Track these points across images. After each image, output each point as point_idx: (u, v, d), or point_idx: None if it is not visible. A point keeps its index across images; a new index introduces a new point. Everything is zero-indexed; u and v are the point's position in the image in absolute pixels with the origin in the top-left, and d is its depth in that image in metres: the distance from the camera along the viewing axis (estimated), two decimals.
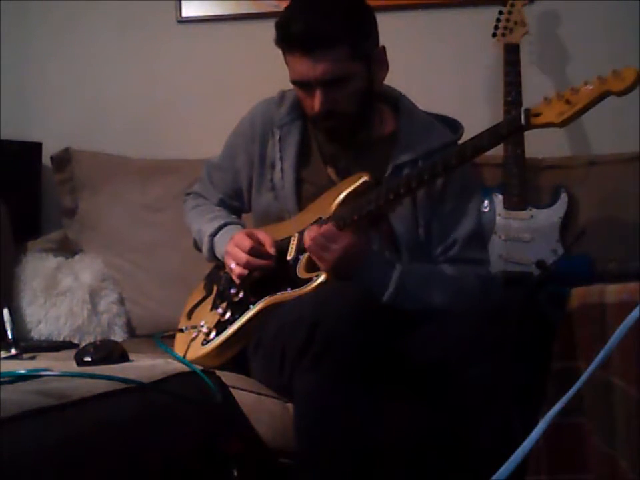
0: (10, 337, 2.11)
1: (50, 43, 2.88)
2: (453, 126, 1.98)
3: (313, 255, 1.81)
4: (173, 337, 2.01)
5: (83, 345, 1.90)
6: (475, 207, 1.95)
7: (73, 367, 1.65)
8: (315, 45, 1.78)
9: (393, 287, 1.81)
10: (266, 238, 1.88)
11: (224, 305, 1.91)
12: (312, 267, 1.82)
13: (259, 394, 1.78)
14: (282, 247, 1.89)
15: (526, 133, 2.07)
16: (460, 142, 1.92)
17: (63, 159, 2.69)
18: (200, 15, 2.84)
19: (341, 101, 1.84)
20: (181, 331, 1.98)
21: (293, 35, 1.80)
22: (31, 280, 2.43)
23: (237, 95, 2.55)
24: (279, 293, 1.82)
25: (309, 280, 1.79)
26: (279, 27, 1.83)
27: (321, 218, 1.87)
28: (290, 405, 1.74)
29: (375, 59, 1.87)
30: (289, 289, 1.81)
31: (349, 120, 1.87)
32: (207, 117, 2.78)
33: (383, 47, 1.90)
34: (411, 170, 1.87)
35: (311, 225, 1.86)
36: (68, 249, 2.62)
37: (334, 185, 1.92)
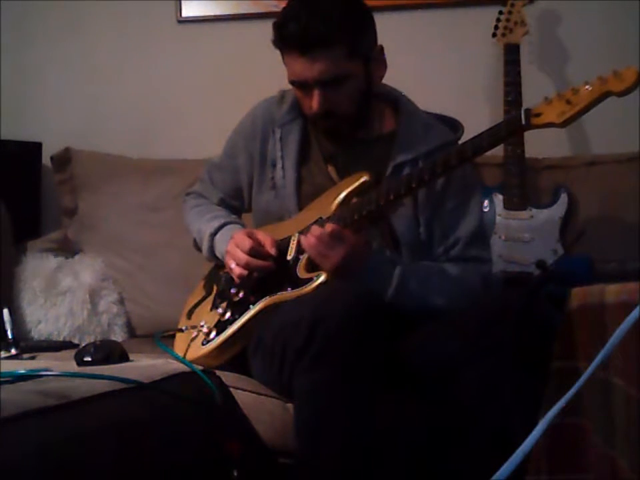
0: (10, 337, 2.11)
1: (50, 43, 2.88)
2: (453, 125, 1.98)
3: (317, 255, 1.80)
4: (173, 336, 2.01)
5: (83, 344, 1.89)
6: (476, 205, 1.95)
7: (72, 366, 1.65)
8: (311, 45, 1.78)
9: (394, 286, 1.81)
10: (266, 238, 1.88)
11: (224, 304, 1.91)
12: (312, 267, 1.82)
13: (259, 394, 1.78)
14: (282, 246, 1.88)
15: (526, 133, 2.07)
16: (460, 141, 1.92)
17: (63, 159, 2.69)
18: (200, 15, 2.85)
19: (339, 101, 1.84)
20: (181, 330, 1.98)
21: (289, 35, 1.80)
22: (31, 280, 2.43)
23: (236, 95, 2.55)
24: (279, 293, 1.81)
25: (309, 280, 1.79)
26: (276, 27, 1.83)
27: (321, 218, 1.87)
28: (290, 405, 1.74)
29: (373, 59, 1.87)
30: (289, 288, 1.81)
31: (347, 119, 1.87)
32: (207, 116, 2.78)
33: (381, 46, 1.90)
34: (411, 169, 1.87)
35: (311, 224, 1.86)
36: (68, 249, 2.62)
37: (334, 184, 1.93)
